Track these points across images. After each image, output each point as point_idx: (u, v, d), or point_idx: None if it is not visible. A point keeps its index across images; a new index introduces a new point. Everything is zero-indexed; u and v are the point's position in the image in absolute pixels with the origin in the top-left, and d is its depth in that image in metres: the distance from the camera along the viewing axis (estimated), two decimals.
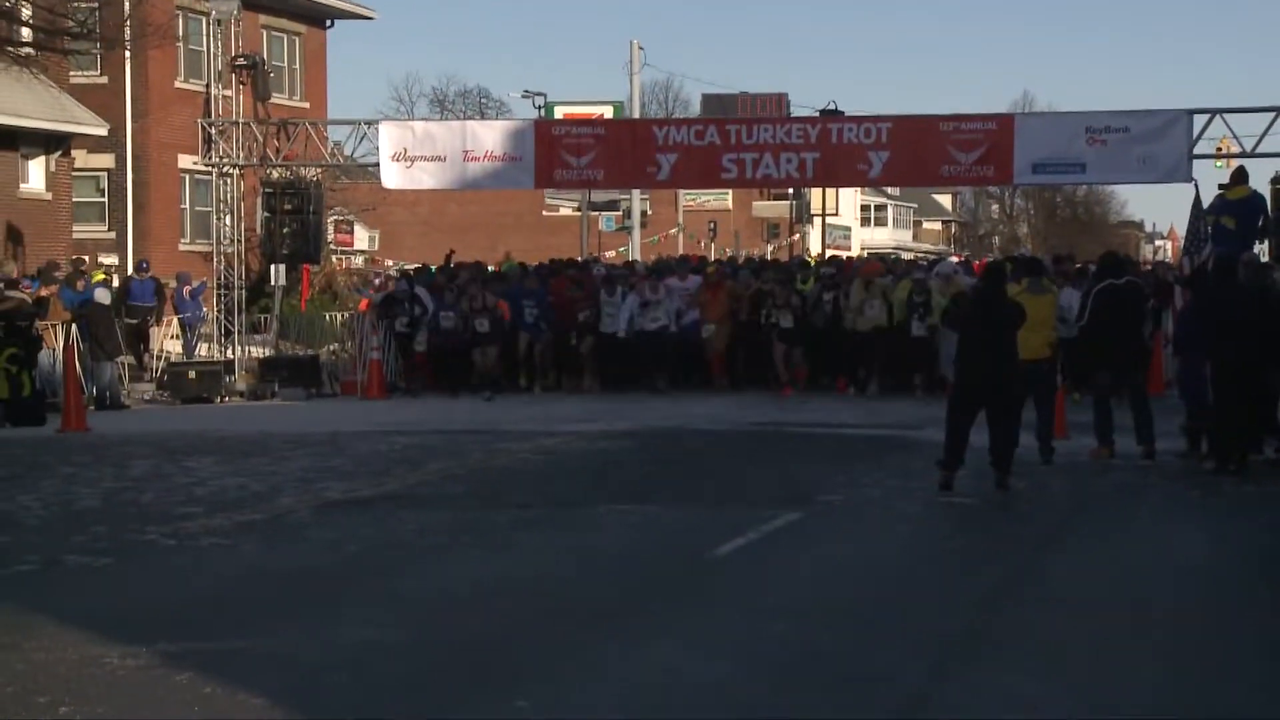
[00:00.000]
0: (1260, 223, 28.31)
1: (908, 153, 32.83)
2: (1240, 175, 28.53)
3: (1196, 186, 30.56)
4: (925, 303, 27.38)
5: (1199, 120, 31.36)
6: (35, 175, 37.43)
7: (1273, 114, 31.15)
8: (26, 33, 30.42)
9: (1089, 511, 15.70)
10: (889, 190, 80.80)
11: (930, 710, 8.85)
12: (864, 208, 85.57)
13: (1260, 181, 30.33)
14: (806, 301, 29.54)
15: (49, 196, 37.52)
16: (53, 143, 37.71)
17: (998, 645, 10.33)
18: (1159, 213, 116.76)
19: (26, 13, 30.05)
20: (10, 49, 29.97)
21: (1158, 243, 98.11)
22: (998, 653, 10.14)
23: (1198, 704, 8.97)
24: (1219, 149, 33.60)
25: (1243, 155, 31.56)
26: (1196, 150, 31.49)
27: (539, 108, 48.54)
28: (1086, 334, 18.89)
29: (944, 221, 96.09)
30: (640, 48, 51.38)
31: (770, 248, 43.90)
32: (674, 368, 30.72)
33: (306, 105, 44.79)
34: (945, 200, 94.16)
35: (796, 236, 60.72)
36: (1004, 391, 15.97)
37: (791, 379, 29.05)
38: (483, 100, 76.55)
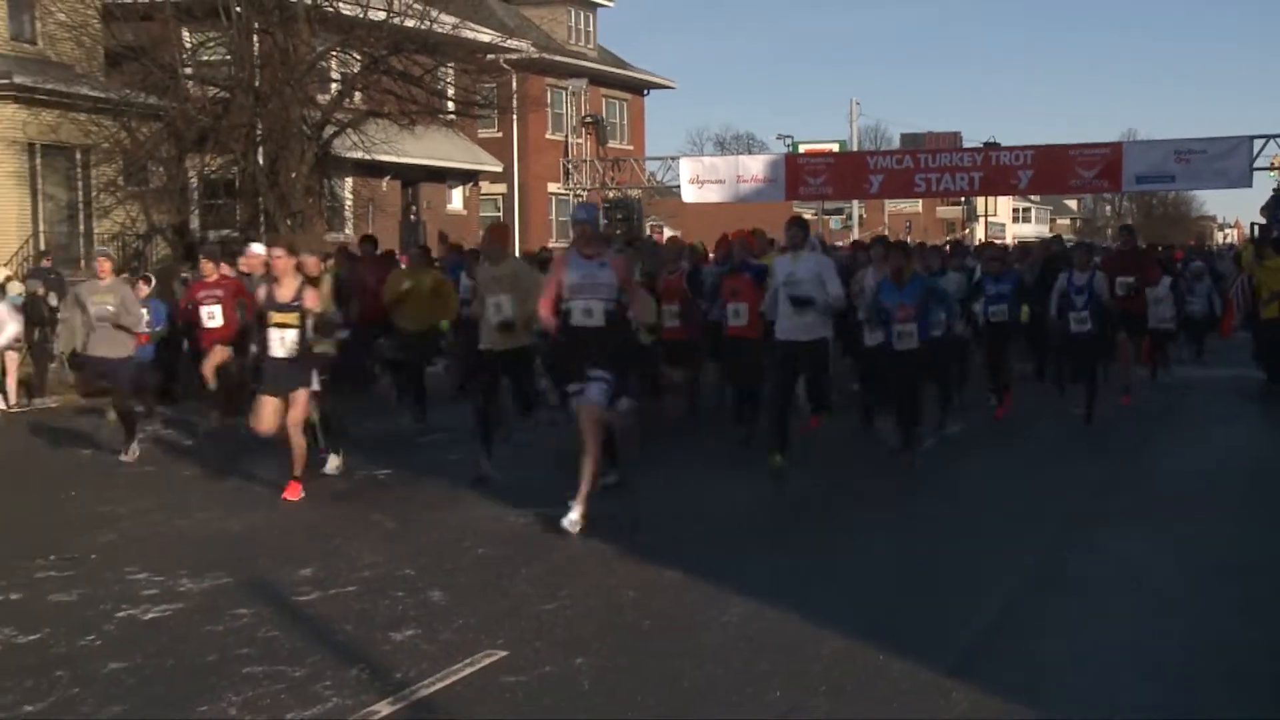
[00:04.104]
0: None
1: (1045, 170, 33.80)
2: None
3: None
4: None
5: (1257, 143, 32.45)
6: (456, 199, 38.88)
7: None
8: (450, 105, 30.92)
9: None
10: (1032, 197, 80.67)
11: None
12: (1015, 209, 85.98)
13: None
14: None
15: (464, 213, 38.62)
16: (466, 177, 38.90)
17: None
18: (1228, 209, 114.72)
19: (450, 90, 30.84)
20: (441, 115, 30.68)
21: (1226, 231, 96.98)
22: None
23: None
24: (1272, 163, 33.16)
25: None
26: (1256, 164, 32.40)
27: (788, 145, 47.44)
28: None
29: (1070, 218, 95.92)
30: (857, 102, 52.10)
31: (948, 239, 44.72)
32: None
33: (631, 148, 44.69)
34: (1072, 203, 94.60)
35: (966, 231, 58.91)
36: None
37: None
38: (750, 141, 76.64)
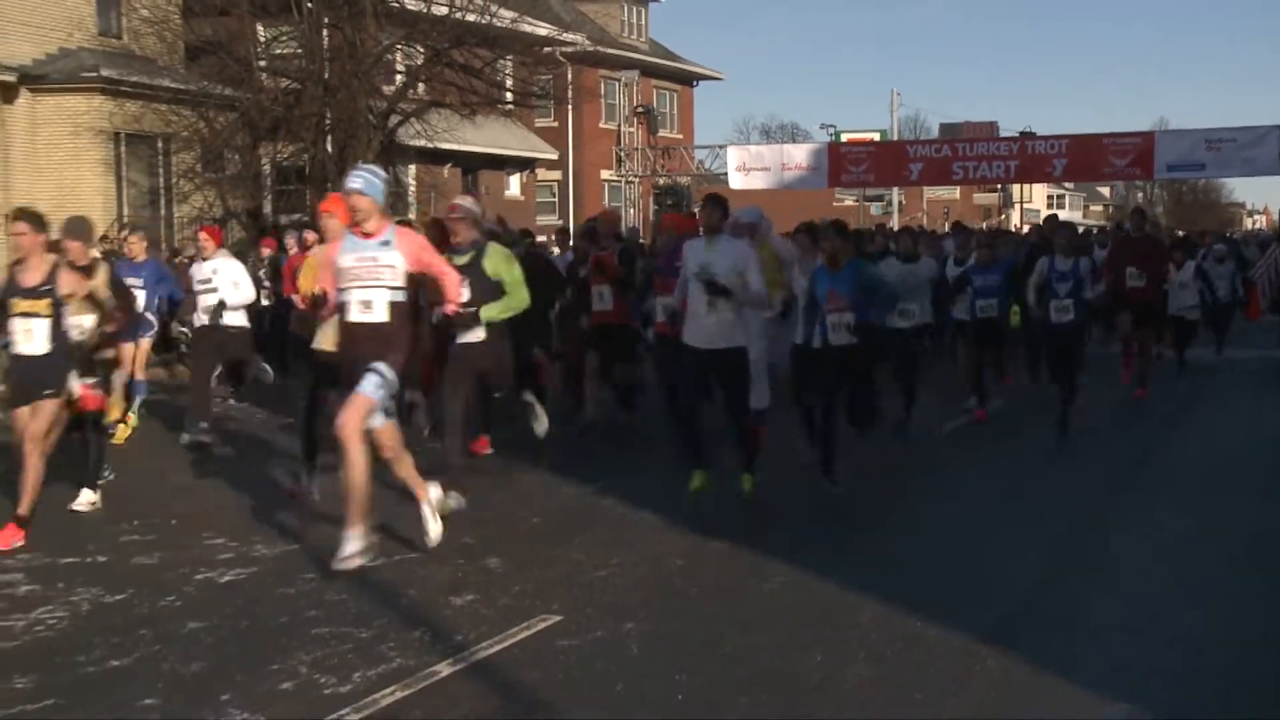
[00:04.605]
0: None
1: (1079, 159, 33.23)
2: None
3: None
4: None
5: None
6: (514, 185, 38.96)
7: None
8: (509, 95, 30.93)
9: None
10: (1066, 184, 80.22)
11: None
12: (1049, 196, 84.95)
13: None
14: None
15: (522, 199, 38.68)
16: (524, 164, 39.08)
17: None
18: (1256, 196, 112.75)
19: (509, 81, 30.56)
20: (500, 105, 31.23)
21: (1255, 216, 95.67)
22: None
23: None
24: None
25: None
26: None
27: (831, 134, 46.39)
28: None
29: (1103, 204, 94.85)
30: (898, 93, 52.35)
31: (985, 224, 44.25)
32: None
33: (680, 136, 44.83)
34: (1105, 190, 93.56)
35: (1003, 217, 59.04)
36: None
37: None
38: (794, 130, 75.79)
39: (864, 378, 9.99)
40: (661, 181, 39.35)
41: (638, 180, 39.88)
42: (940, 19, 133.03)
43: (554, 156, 39.57)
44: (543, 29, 32.77)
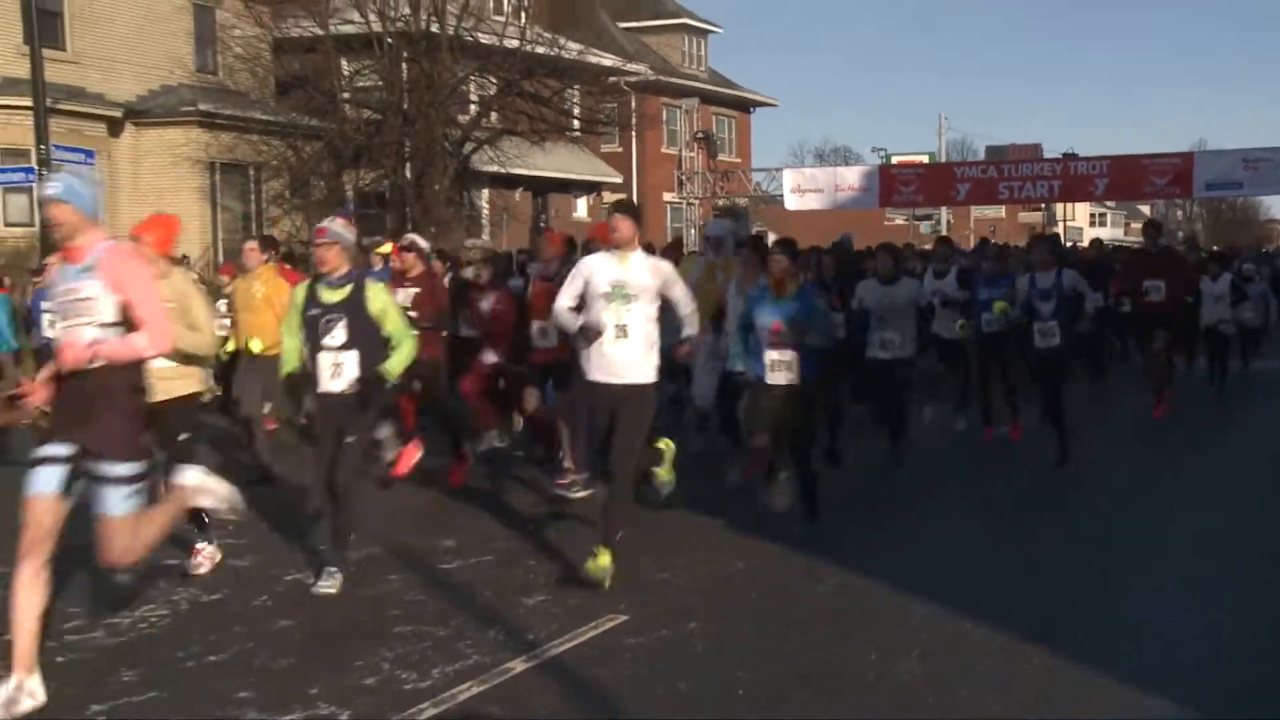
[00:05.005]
0: None
1: (1120, 179, 32.96)
2: None
3: None
4: None
5: None
6: (581, 207, 38.85)
7: None
8: (576, 123, 31.27)
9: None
10: (1108, 203, 79.29)
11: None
12: (1092, 214, 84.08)
13: None
14: None
15: (589, 220, 36.60)
16: (590, 188, 39.02)
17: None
18: None
19: (576, 110, 30.91)
20: (568, 132, 31.25)
21: None
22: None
23: None
24: None
25: None
26: None
27: (881, 157, 46.13)
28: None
29: (1143, 222, 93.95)
30: (945, 117, 53.22)
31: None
32: None
33: (739, 160, 44.77)
34: (1145, 208, 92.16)
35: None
36: None
37: None
38: (846, 153, 75.29)
39: (805, 427, 8.41)
40: (721, 203, 39.16)
41: (698, 202, 39.86)
42: (986, 45, 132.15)
43: (619, 180, 39.53)
44: (608, 60, 33.07)
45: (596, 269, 7.40)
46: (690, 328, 7.59)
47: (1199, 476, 10.73)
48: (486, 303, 10.42)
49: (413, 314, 9.52)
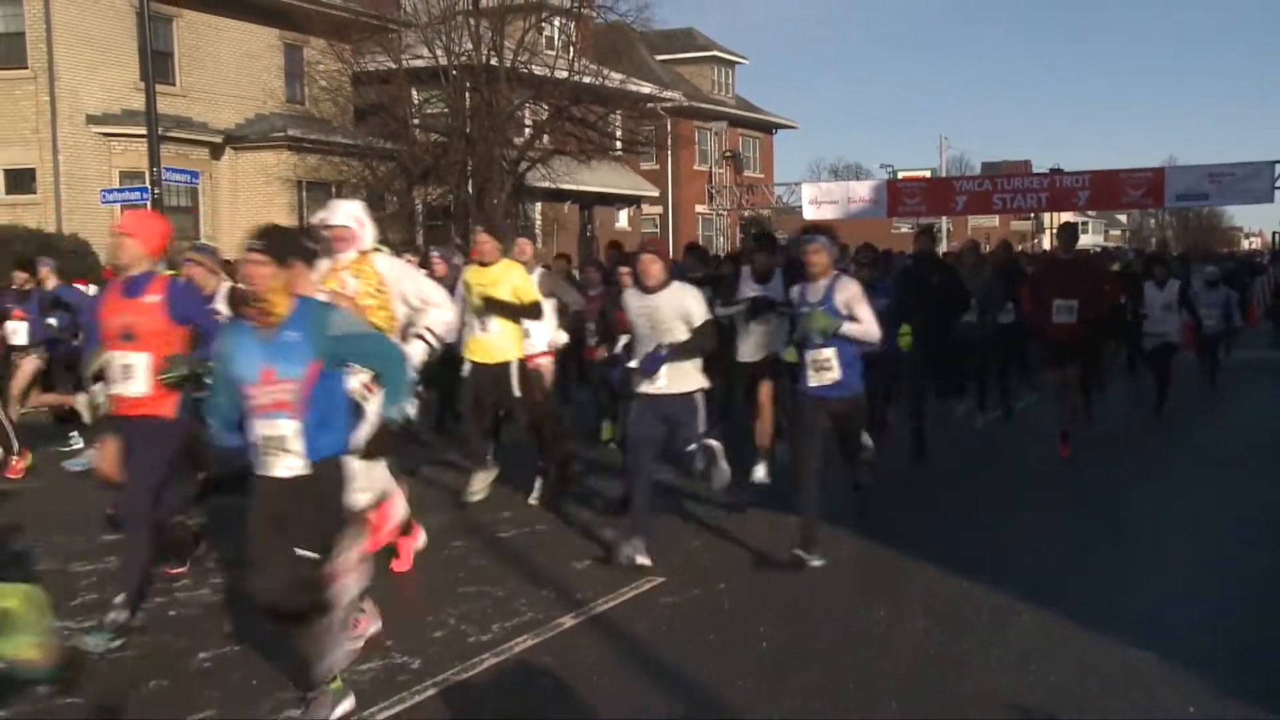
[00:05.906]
0: None
1: (1100, 190, 32.93)
2: None
3: None
4: None
5: (1279, 167, 31.27)
6: (622, 219, 38.55)
7: None
8: (618, 144, 31.08)
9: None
10: (1089, 212, 78.51)
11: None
12: (1075, 222, 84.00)
13: None
14: None
15: (629, 230, 37.46)
16: (630, 201, 38.79)
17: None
18: (1252, 221, 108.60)
19: (618, 132, 30.60)
20: (611, 152, 31.13)
21: (1251, 239, 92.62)
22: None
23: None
24: None
25: None
26: (1277, 184, 31.25)
27: (889, 172, 46.07)
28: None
29: (1121, 230, 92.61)
30: (945, 137, 53.14)
31: (1020, 247, 43.34)
32: None
33: (762, 175, 44.52)
34: (1122, 217, 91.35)
35: (1035, 240, 56.77)
36: None
37: None
38: (858, 169, 74.75)
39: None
40: (746, 214, 39.43)
41: (726, 213, 39.96)
42: (983, 74, 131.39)
43: (655, 194, 39.50)
44: (646, 88, 33.08)
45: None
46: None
47: (1191, 460, 10.46)
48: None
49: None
